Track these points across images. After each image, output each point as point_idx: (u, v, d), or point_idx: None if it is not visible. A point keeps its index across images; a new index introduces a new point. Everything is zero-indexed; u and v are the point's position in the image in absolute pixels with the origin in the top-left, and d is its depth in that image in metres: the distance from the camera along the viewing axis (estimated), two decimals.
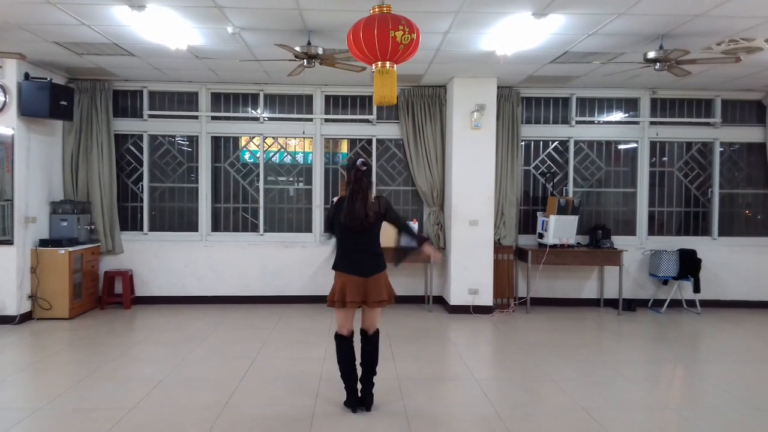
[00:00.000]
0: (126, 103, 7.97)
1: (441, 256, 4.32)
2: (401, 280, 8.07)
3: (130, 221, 8.02)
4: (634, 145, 8.23)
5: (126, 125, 7.91)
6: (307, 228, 8.09)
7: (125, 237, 7.89)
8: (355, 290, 3.97)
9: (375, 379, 4.20)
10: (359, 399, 4.13)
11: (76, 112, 7.44)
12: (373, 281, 4.00)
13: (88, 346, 5.88)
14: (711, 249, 8.07)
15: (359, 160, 4.01)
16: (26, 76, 6.67)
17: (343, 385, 4.14)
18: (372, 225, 4.00)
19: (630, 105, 8.23)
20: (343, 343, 4.12)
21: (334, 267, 4.08)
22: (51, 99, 6.64)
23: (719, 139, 8.17)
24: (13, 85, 6.56)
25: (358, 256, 4.01)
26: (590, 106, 8.19)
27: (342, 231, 4.04)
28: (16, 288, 6.64)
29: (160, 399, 4.34)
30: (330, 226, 4.17)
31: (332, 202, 4.16)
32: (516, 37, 5.65)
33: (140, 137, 7.97)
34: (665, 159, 8.32)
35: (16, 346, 5.87)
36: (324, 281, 7.66)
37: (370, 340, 4.17)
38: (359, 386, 4.15)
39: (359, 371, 4.19)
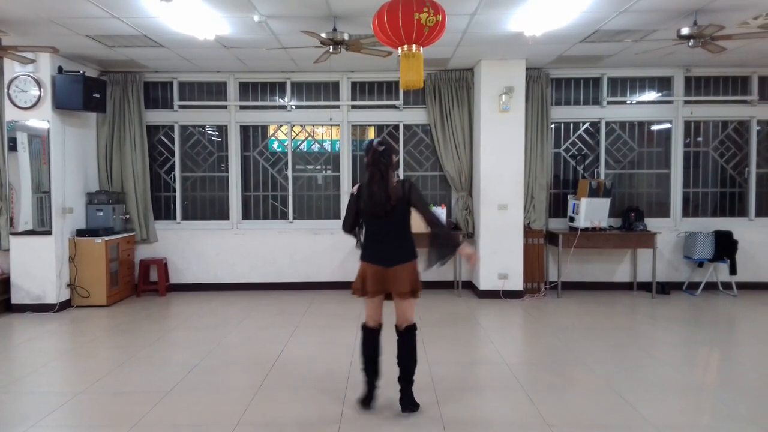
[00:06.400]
0: (157, 95, 8.10)
1: (477, 258, 3.76)
2: None
3: (163, 210, 8.17)
4: (668, 125, 8.04)
5: (157, 116, 8.04)
6: (336, 215, 8.10)
7: (159, 226, 8.05)
8: (374, 280, 3.74)
9: (413, 382, 3.86)
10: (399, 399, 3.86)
11: (108, 104, 7.58)
12: (394, 272, 3.71)
13: (125, 332, 6.03)
14: (748, 230, 7.88)
15: (375, 140, 3.77)
16: (60, 69, 6.82)
17: (363, 379, 3.91)
18: (395, 210, 3.69)
19: (663, 84, 8.03)
20: (368, 335, 3.89)
21: (360, 256, 3.91)
22: (84, 92, 6.79)
23: (756, 117, 7.95)
24: (47, 79, 6.71)
25: (380, 245, 3.77)
26: (622, 86, 8.01)
27: (365, 219, 3.82)
28: (55, 277, 6.84)
29: (196, 382, 4.44)
30: (353, 220, 3.87)
31: (352, 194, 3.87)
32: (545, 16, 5.55)
33: (171, 128, 8.09)
34: (700, 139, 8.11)
35: (56, 332, 6.05)
36: (352, 267, 7.46)
37: (403, 338, 3.85)
38: (378, 384, 3.92)
39: (381, 370, 3.93)
